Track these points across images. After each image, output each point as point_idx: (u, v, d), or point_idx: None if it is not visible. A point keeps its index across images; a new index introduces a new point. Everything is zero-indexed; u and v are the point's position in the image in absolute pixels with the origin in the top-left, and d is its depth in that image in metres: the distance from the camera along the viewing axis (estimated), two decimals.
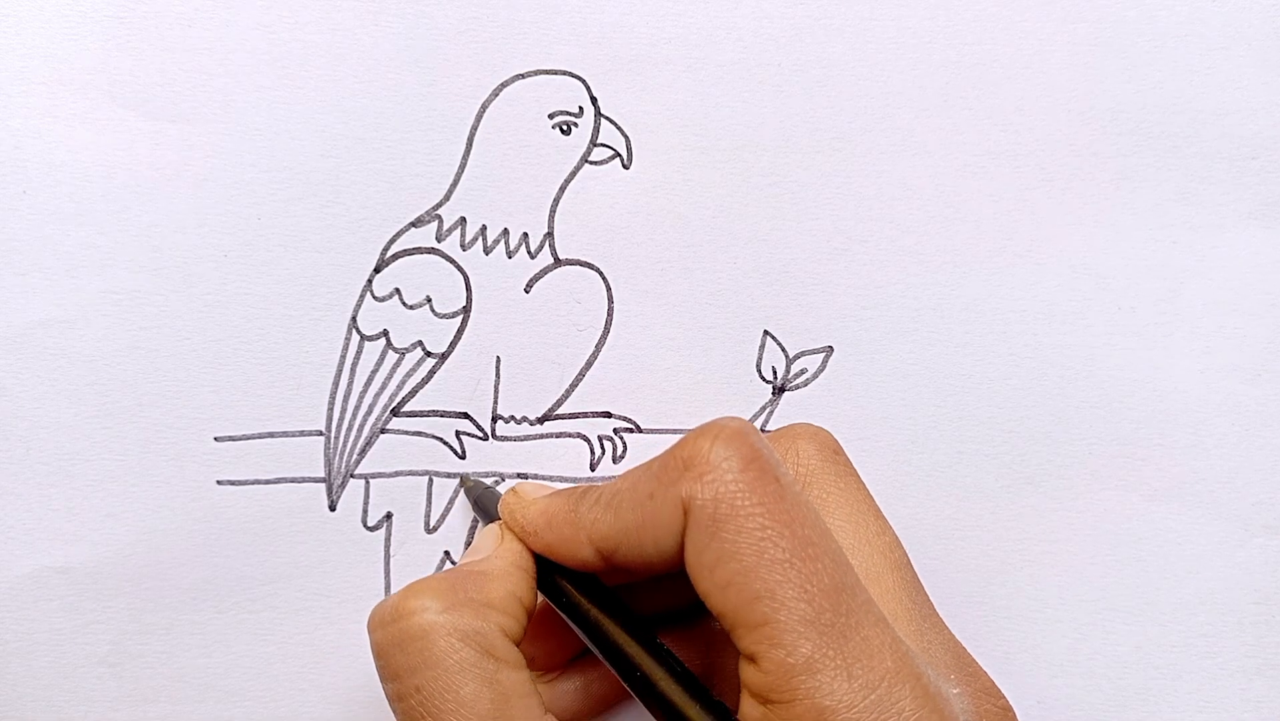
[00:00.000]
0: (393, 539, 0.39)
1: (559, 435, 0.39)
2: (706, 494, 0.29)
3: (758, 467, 0.29)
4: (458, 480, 0.39)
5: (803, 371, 0.39)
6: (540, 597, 0.33)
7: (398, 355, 0.38)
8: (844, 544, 0.32)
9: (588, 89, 0.39)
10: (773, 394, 0.39)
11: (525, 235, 0.39)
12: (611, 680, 0.35)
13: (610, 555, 0.31)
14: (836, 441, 0.34)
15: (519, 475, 0.39)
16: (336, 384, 0.38)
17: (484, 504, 0.37)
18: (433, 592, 0.30)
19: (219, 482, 0.38)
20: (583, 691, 0.36)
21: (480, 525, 0.38)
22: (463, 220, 0.39)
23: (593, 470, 0.39)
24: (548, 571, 0.33)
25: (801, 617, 0.28)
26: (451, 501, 0.39)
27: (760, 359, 0.39)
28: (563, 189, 0.39)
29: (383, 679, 0.31)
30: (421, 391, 0.39)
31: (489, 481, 0.39)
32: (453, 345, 0.39)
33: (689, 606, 0.35)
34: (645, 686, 0.30)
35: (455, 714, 0.29)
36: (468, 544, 0.39)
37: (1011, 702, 0.32)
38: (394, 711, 0.31)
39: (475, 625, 0.30)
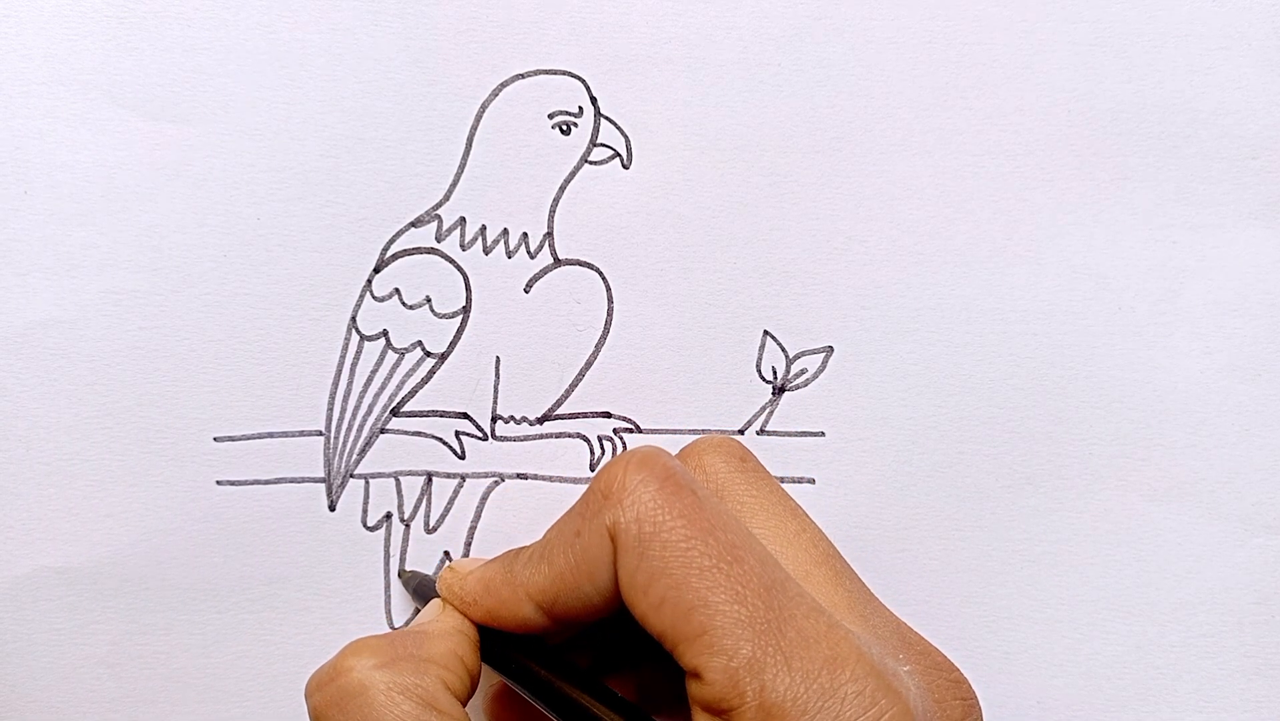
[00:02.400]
0: (392, 539, 0.38)
1: (559, 435, 0.39)
2: (628, 516, 0.30)
3: (673, 484, 0.30)
4: (456, 481, 0.39)
5: (803, 371, 0.39)
6: (497, 679, 0.33)
7: (397, 355, 0.38)
8: (768, 547, 0.32)
9: (587, 89, 0.39)
10: (773, 394, 0.39)
11: (525, 235, 0.39)
12: None
13: (550, 607, 0.31)
14: (744, 448, 0.34)
15: (519, 475, 0.39)
16: (336, 384, 0.38)
17: (422, 590, 0.37)
18: (370, 651, 0.30)
19: (219, 483, 0.38)
20: None
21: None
22: (462, 220, 0.39)
23: (593, 470, 0.39)
24: (491, 641, 0.33)
25: (736, 620, 0.28)
26: (451, 501, 0.39)
27: (760, 359, 0.39)
28: (562, 189, 0.39)
29: None
30: (421, 391, 0.39)
31: (427, 570, 0.39)
32: (452, 345, 0.39)
33: (629, 654, 0.36)
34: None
35: None
36: (468, 544, 0.39)
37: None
38: None
39: (415, 680, 0.30)
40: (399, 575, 0.39)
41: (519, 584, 0.32)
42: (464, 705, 0.31)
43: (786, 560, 0.32)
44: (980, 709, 0.32)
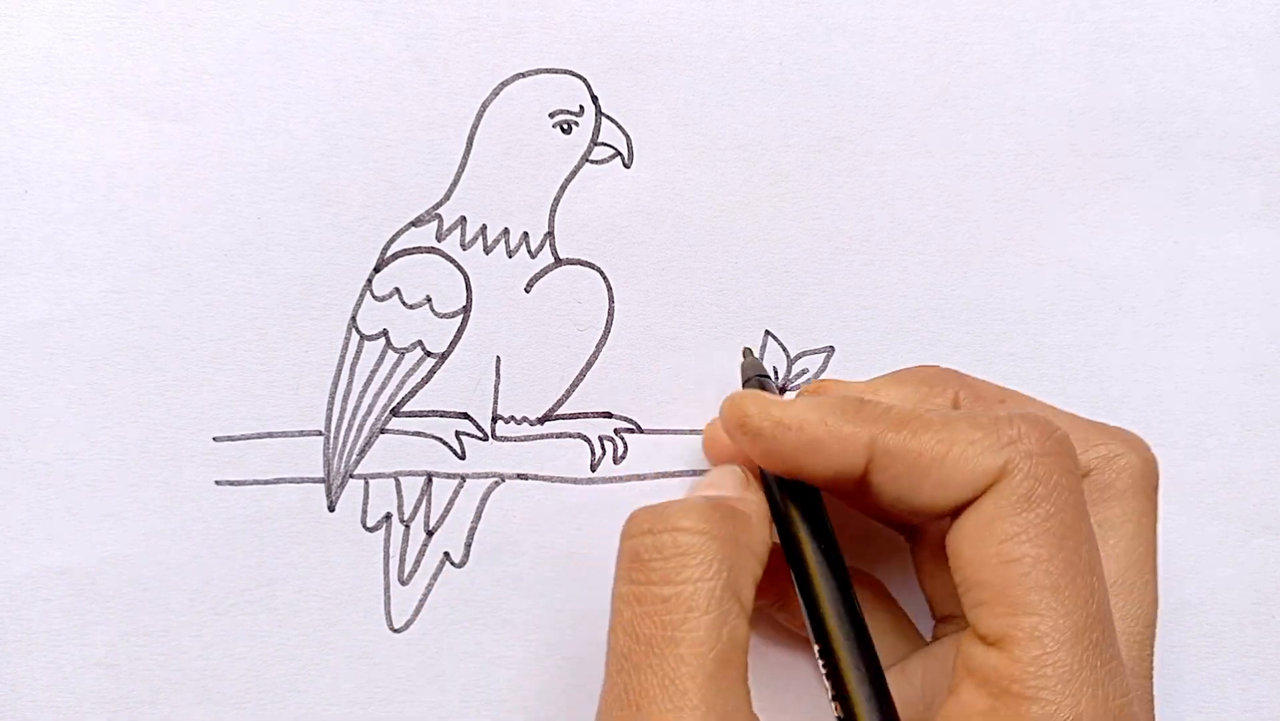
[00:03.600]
0: (392, 539, 0.38)
1: (559, 435, 0.39)
2: (1035, 472, 0.29)
3: (1076, 480, 0.30)
4: (456, 481, 0.39)
5: (804, 371, 0.39)
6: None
7: (397, 355, 0.38)
8: (1110, 573, 0.32)
9: (588, 88, 0.39)
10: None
11: (525, 234, 0.39)
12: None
13: (878, 472, 0.31)
14: (1158, 476, 0.34)
15: (519, 475, 0.39)
16: (336, 384, 0.38)
17: (755, 381, 0.36)
18: (705, 517, 0.30)
19: (218, 483, 0.38)
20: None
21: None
22: (463, 219, 0.39)
23: (593, 470, 0.39)
24: (782, 500, 0.32)
25: (1074, 625, 0.28)
26: (451, 502, 0.39)
27: (761, 359, 0.39)
28: (563, 188, 0.39)
29: (624, 580, 0.31)
30: (421, 391, 0.39)
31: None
32: (453, 345, 0.39)
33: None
34: (829, 659, 0.30)
35: (690, 635, 0.29)
36: (468, 545, 0.39)
37: None
38: (618, 612, 0.30)
39: (736, 561, 0.30)
40: (744, 354, 0.38)
41: (867, 428, 0.31)
42: (756, 598, 0.31)
43: (1123, 600, 0.32)
44: None
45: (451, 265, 0.39)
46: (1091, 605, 0.28)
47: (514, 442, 0.39)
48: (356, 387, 0.38)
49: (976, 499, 0.30)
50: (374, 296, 0.38)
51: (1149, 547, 0.33)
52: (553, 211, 0.39)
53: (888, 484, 0.31)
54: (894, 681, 0.34)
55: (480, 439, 0.39)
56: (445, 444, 0.39)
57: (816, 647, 0.31)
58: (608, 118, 0.39)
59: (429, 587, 0.38)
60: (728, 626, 0.29)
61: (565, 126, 0.39)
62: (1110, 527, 0.33)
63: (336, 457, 0.38)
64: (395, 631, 0.38)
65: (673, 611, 0.29)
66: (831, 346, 0.39)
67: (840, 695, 0.30)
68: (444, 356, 0.39)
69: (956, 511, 0.30)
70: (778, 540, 0.33)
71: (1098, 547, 0.30)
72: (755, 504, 0.33)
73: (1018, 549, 0.29)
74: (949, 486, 0.30)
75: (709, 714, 0.28)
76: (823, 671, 0.30)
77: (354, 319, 0.38)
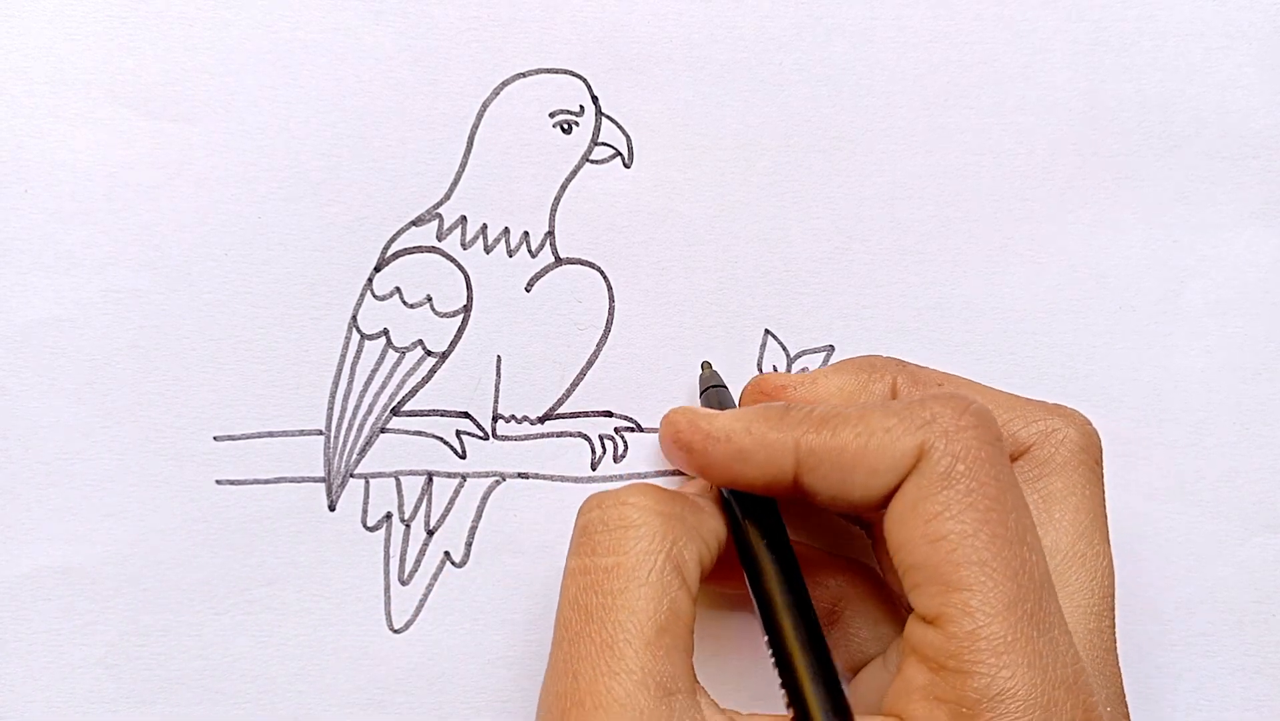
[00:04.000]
0: (392, 539, 0.38)
1: (560, 434, 0.39)
2: (951, 449, 0.30)
3: (999, 449, 0.30)
4: (457, 480, 0.39)
5: (803, 370, 0.39)
6: None
7: (398, 354, 0.38)
8: (1059, 545, 0.32)
9: (589, 88, 0.39)
10: None
11: (526, 234, 0.39)
12: None
13: (807, 473, 0.31)
14: (1101, 448, 0.34)
15: (519, 475, 0.39)
16: (336, 383, 0.38)
17: (709, 400, 0.37)
18: (655, 497, 0.31)
19: (218, 482, 0.38)
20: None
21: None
22: (463, 219, 0.39)
23: (594, 469, 0.39)
24: (736, 519, 0.33)
25: (1005, 596, 0.28)
26: (452, 501, 0.39)
27: (761, 358, 0.39)
28: (564, 188, 0.39)
29: (575, 553, 0.32)
30: (422, 391, 0.39)
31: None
32: (453, 344, 0.39)
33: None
34: (780, 652, 0.30)
35: (629, 605, 0.30)
36: (468, 544, 0.39)
37: None
38: (566, 586, 0.31)
39: (680, 540, 0.31)
40: (702, 367, 0.39)
41: (791, 433, 0.31)
42: (702, 578, 0.32)
43: (1075, 572, 0.32)
44: None
45: (452, 264, 0.39)
46: (1023, 576, 0.29)
47: (514, 442, 0.39)
48: (357, 387, 0.38)
49: (901, 484, 0.30)
50: (374, 296, 0.38)
51: (1095, 518, 0.33)
52: (553, 211, 0.39)
53: (819, 483, 0.31)
54: (875, 670, 0.35)
55: (481, 438, 0.39)
56: (446, 443, 0.39)
57: (772, 660, 0.31)
58: (608, 118, 0.39)
59: (429, 587, 0.38)
60: (668, 597, 0.30)
61: (565, 126, 0.39)
62: (1055, 501, 0.33)
63: (337, 457, 0.38)
64: (395, 631, 0.38)
65: (614, 581, 0.30)
66: (831, 345, 0.39)
67: (793, 695, 0.30)
68: (444, 356, 0.39)
69: (887, 500, 0.30)
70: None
71: (1029, 517, 0.30)
72: (710, 497, 0.33)
73: (942, 526, 0.29)
74: (873, 476, 0.30)
75: (645, 680, 0.29)
76: (780, 681, 0.31)
77: (354, 318, 0.38)
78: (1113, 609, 0.33)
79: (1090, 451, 0.34)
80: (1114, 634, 0.33)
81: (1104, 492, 0.34)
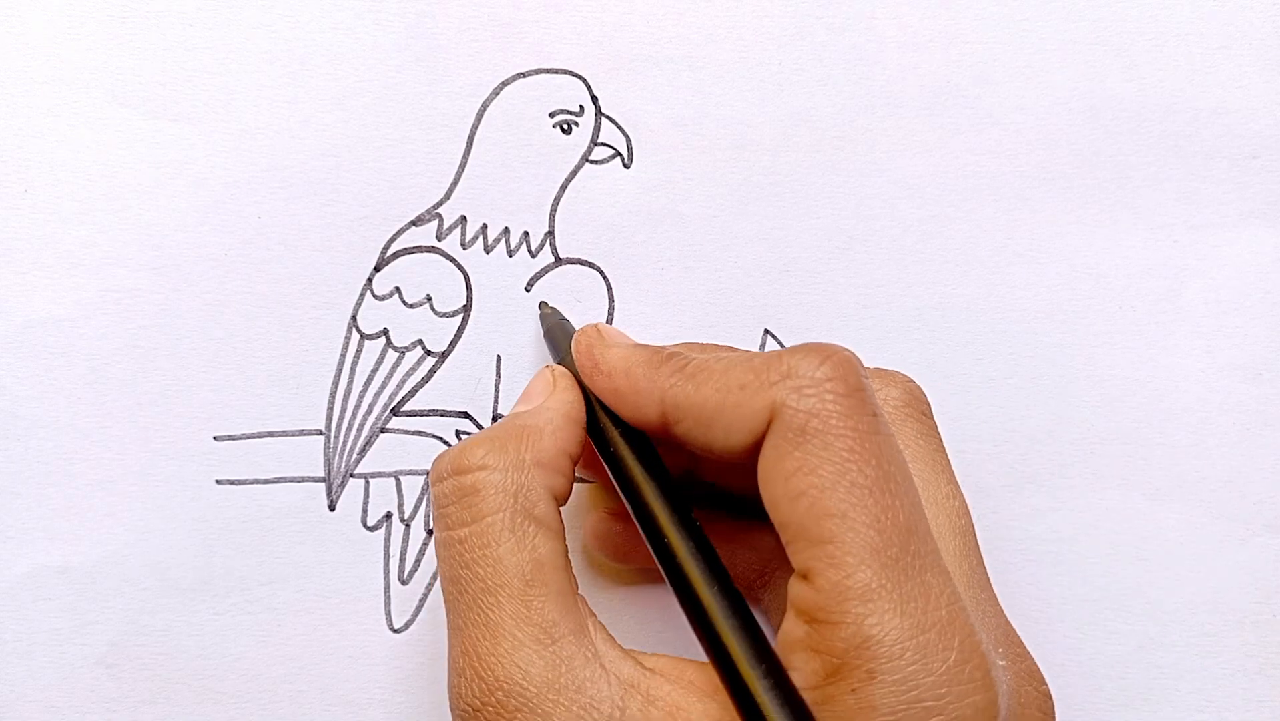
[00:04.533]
0: (392, 539, 0.38)
1: None
2: (802, 405, 0.29)
3: (859, 397, 0.29)
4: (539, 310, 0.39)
5: None
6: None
7: (398, 354, 0.38)
8: None
9: (588, 88, 0.39)
10: None
11: (526, 234, 0.39)
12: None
13: (674, 424, 0.31)
14: (928, 401, 0.34)
15: None
16: (336, 383, 0.38)
17: (554, 335, 0.37)
18: (488, 446, 0.32)
19: (218, 482, 0.38)
20: (624, 535, 0.37)
21: (549, 355, 0.38)
22: (463, 219, 0.39)
23: None
24: (598, 419, 0.33)
25: (867, 544, 0.28)
26: None
27: None
28: (563, 188, 0.39)
29: (434, 527, 0.33)
30: (422, 390, 0.39)
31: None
32: (453, 344, 0.39)
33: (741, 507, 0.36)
34: (666, 556, 0.30)
35: (491, 568, 0.30)
36: None
37: None
38: (438, 560, 0.32)
39: (524, 484, 0.31)
40: (539, 306, 0.39)
41: (659, 384, 0.32)
42: (564, 502, 0.32)
43: (929, 518, 0.31)
44: None
45: (452, 264, 0.39)
46: (885, 522, 0.28)
47: None
48: (357, 387, 0.38)
49: (762, 441, 0.30)
50: (374, 295, 0.38)
51: (935, 464, 0.33)
52: (553, 211, 0.39)
53: (685, 435, 0.31)
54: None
55: None
56: (446, 443, 0.39)
57: (657, 559, 0.31)
58: (608, 118, 0.39)
59: (429, 587, 0.38)
60: (526, 549, 0.30)
61: (565, 126, 0.39)
62: (908, 456, 0.33)
63: (337, 457, 0.38)
64: (395, 631, 0.38)
65: (470, 551, 0.31)
66: None
67: (687, 598, 0.30)
68: (444, 355, 0.39)
69: (752, 452, 0.30)
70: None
71: (894, 463, 0.29)
72: (554, 410, 0.33)
73: (801, 483, 0.29)
74: (730, 434, 0.30)
75: (524, 636, 0.30)
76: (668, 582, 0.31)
77: (354, 318, 0.38)
78: (977, 549, 0.33)
79: (915, 405, 0.34)
80: (986, 574, 0.32)
81: (940, 440, 0.34)
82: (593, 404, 0.33)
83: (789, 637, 0.29)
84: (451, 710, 0.31)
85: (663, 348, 0.33)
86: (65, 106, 0.38)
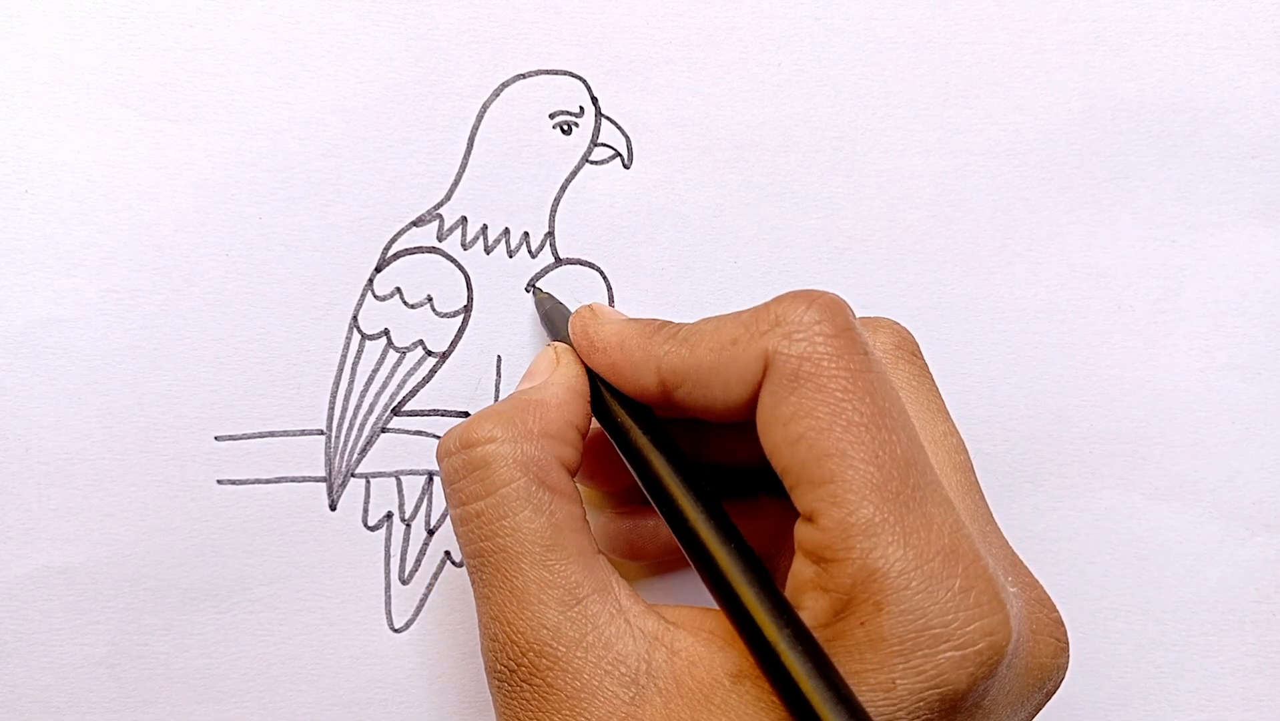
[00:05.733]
0: (393, 539, 0.38)
1: None
2: (793, 350, 0.30)
3: (848, 337, 0.30)
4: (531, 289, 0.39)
5: None
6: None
7: (399, 354, 0.38)
8: None
9: (588, 89, 0.39)
10: None
11: (526, 234, 0.39)
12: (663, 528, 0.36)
13: (673, 390, 0.32)
14: (917, 344, 0.34)
15: None
16: (337, 383, 0.38)
17: (551, 318, 0.37)
18: (495, 420, 0.32)
19: (219, 482, 0.38)
20: (633, 532, 0.37)
21: (547, 338, 0.38)
22: (464, 219, 0.39)
23: None
24: (601, 395, 0.33)
25: (867, 480, 0.28)
26: None
27: None
28: (563, 188, 0.39)
29: (448, 504, 0.33)
30: (423, 390, 0.39)
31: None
32: (454, 344, 0.39)
33: (745, 474, 0.36)
34: (679, 523, 0.31)
35: (511, 537, 0.31)
36: None
37: None
38: (456, 535, 0.33)
39: (534, 454, 0.32)
40: (529, 288, 0.39)
41: (655, 352, 0.32)
42: (574, 473, 0.33)
43: (928, 454, 0.32)
44: (1069, 654, 0.32)
45: (452, 265, 0.39)
46: (883, 457, 0.29)
47: None
48: (358, 387, 0.38)
49: (759, 392, 0.30)
50: (375, 296, 0.38)
51: (930, 404, 0.33)
52: (553, 212, 0.39)
53: (685, 399, 0.32)
54: None
55: None
56: None
57: (671, 528, 0.31)
58: (608, 119, 0.39)
59: (430, 587, 0.38)
60: (544, 515, 0.31)
61: (565, 127, 0.39)
62: (903, 397, 0.33)
63: (338, 457, 0.38)
64: (395, 631, 0.38)
65: (488, 523, 0.31)
66: None
67: (698, 555, 0.30)
68: (445, 355, 0.39)
69: (750, 408, 0.31)
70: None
71: (889, 399, 0.30)
72: (559, 385, 0.33)
73: (798, 427, 0.29)
74: (728, 390, 0.31)
75: (549, 599, 0.30)
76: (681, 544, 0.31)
77: (355, 318, 0.38)
78: (977, 484, 0.33)
79: (905, 347, 0.34)
80: (988, 507, 0.33)
81: (933, 380, 0.34)
82: (595, 381, 0.34)
83: (798, 579, 0.29)
84: (487, 674, 0.32)
85: (654, 319, 0.33)
86: (66, 107, 0.38)
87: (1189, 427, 0.40)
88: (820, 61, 0.40)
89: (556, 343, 0.35)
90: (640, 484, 0.32)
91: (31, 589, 0.37)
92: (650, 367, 0.32)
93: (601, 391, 0.34)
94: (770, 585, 0.29)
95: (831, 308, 0.30)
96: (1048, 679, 0.31)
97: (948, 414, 0.34)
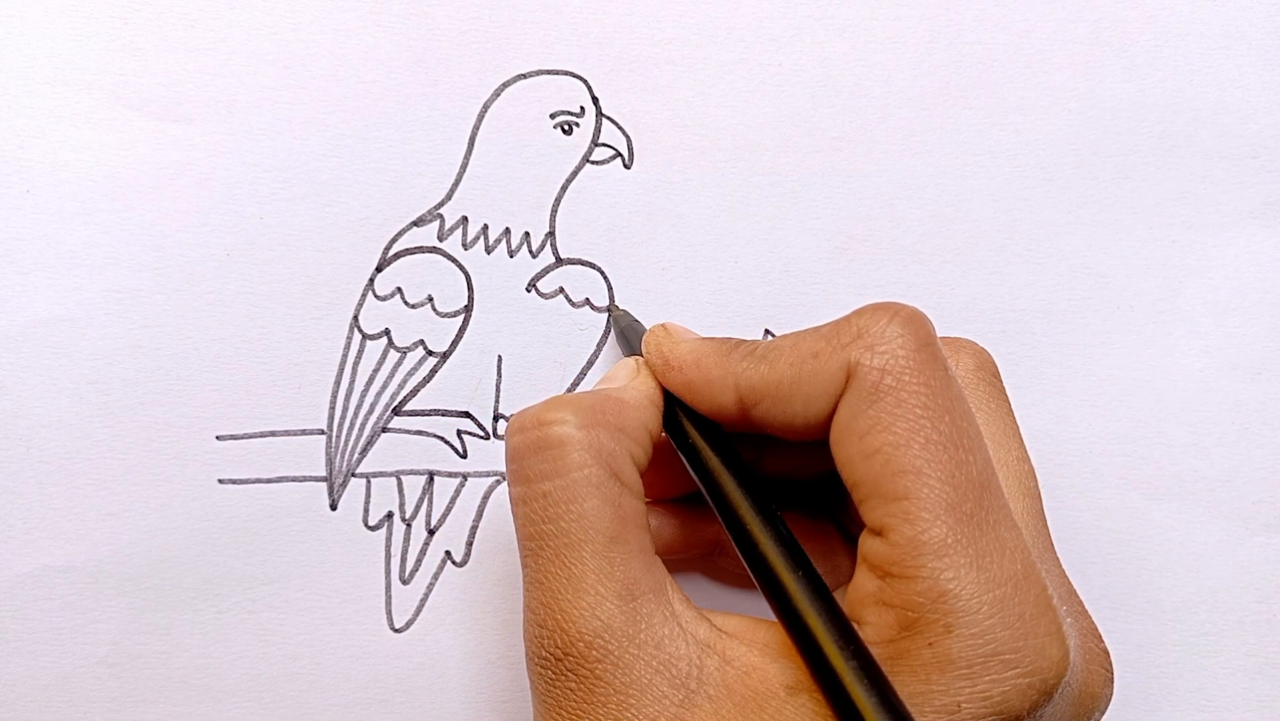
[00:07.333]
0: (393, 538, 0.38)
1: None
2: (876, 363, 0.29)
3: (930, 353, 0.30)
4: (458, 480, 0.39)
5: None
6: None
7: (399, 354, 0.38)
8: None
9: (589, 89, 0.39)
10: None
11: (527, 234, 0.39)
12: (707, 529, 0.36)
13: (751, 407, 0.32)
14: (997, 367, 0.34)
15: None
16: (338, 383, 0.38)
17: (628, 335, 0.37)
18: (573, 408, 0.31)
19: (220, 481, 0.38)
20: (680, 530, 0.37)
21: (621, 354, 0.38)
22: (464, 219, 0.39)
23: None
24: (675, 411, 0.33)
25: (942, 500, 0.28)
26: (453, 501, 0.39)
27: None
28: (564, 188, 0.39)
29: (512, 482, 0.32)
30: (423, 390, 0.39)
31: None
32: (454, 344, 0.39)
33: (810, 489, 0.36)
34: (748, 545, 0.31)
35: (576, 523, 0.30)
36: (469, 544, 0.39)
37: None
38: (515, 515, 0.32)
39: (609, 445, 0.31)
40: (609, 309, 0.39)
41: (731, 370, 0.32)
42: (641, 474, 0.32)
43: (1000, 479, 0.32)
44: (1114, 685, 0.32)
45: (453, 265, 0.39)
46: (959, 478, 0.29)
47: None
48: (358, 387, 0.38)
49: (837, 405, 0.30)
50: (376, 296, 0.38)
51: (1007, 428, 0.33)
52: (553, 211, 0.39)
53: (764, 416, 0.32)
54: None
55: (482, 438, 0.39)
56: (447, 443, 0.39)
57: (737, 548, 0.31)
58: (608, 119, 0.39)
59: (430, 587, 0.38)
60: (611, 506, 0.30)
61: (566, 127, 0.39)
62: (980, 420, 0.33)
63: (338, 456, 0.38)
64: (396, 631, 0.38)
65: (555, 505, 0.31)
66: None
67: (751, 558, 0.30)
68: (446, 355, 0.39)
69: (830, 423, 0.31)
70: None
71: (966, 419, 0.30)
72: (638, 390, 0.33)
73: (875, 440, 0.29)
74: (809, 404, 0.31)
75: (607, 591, 0.30)
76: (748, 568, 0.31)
77: (356, 318, 0.38)
78: (1043, 513, 0.33)
79: (986, 369, 0.34)
80: (1050, 537, 0.33)
81: (1009, 405, 0.34)
82: (668, 398, 0.34)
83: (860, 592, 0.29)
84: (529, 660, 0.31)
85: (729, 338, 0.33)
86: (67, 107, 0.38)
87: (1188, 428, 0.40)
88: (820, 61, 0.40)
89: (638, 357, 0.35)
90: (709, 500, 0.32)
91: (32, 587, 0.37)
92: (728, 385, 0.32)
93: (675, 408, 0.33)
94: (835, 608, 0.29)
95: (914, 321, 0.30)
96: (1095, 708, 0.31)
97: (1022, 440, 0.34)
